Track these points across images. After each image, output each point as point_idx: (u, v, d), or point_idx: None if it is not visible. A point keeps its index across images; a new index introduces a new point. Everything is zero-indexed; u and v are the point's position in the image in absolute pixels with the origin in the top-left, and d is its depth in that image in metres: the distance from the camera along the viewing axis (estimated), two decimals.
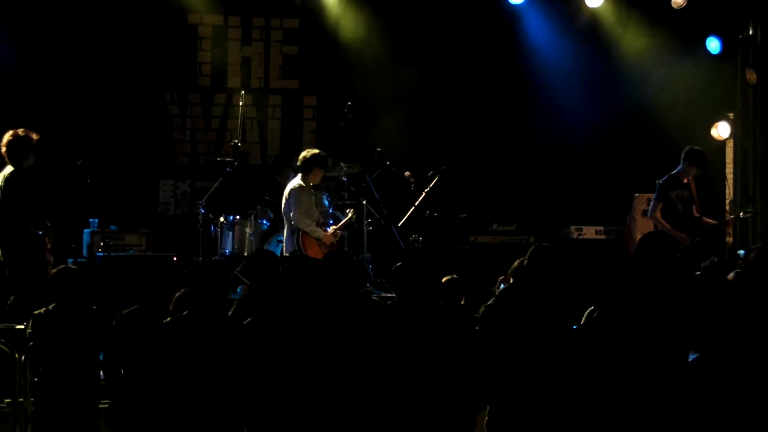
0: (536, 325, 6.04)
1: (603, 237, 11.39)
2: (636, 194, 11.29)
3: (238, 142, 11.32)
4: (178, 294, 6.46)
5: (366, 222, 11.10)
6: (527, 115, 12.72)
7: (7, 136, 8.89)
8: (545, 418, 5.95)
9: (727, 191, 12.18)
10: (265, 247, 10.44)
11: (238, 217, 10.91)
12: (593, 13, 12.35)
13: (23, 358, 7.06)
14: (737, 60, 12.00)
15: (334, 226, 10.32)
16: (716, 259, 7.05)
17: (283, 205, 10.17)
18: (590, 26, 12.43)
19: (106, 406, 6.46)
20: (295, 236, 9.96)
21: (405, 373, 6.00)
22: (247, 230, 10.91)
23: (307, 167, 10.09)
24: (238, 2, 12.78)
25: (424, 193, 10.95)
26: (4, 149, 8.89)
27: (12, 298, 8.72)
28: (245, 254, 10.58)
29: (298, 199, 9.95)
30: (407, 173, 11.07)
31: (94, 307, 6.55)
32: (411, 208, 10.97)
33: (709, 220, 10.12)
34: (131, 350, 6.24)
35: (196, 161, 12.69)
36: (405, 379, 5.99)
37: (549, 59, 12.59)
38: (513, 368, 6.01)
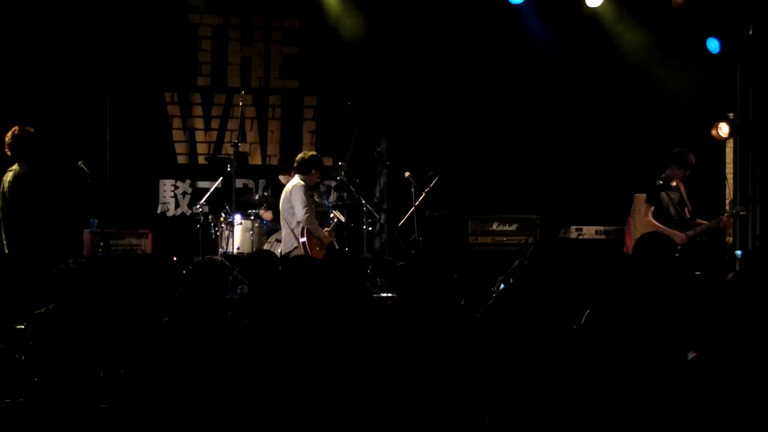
0: (536, 325, 6.05)
1: (603, 237, 11.38)
2: (636, 194, 11.29)
3: (238, 142, 11.33)
4: (177, 294, 6.47)
5: (366, 222, 11.11)
6: (527, 114, 12.72)
7: (9, 135, 8.88)
8: (545, 418, 5.95)
9: (727, 191, 12.17)
10: (265, 247, 10.45)
11: (238, 217, 10.93)
12: (593, 13, 12.35)
13: (23, 358, 7.06)
14: (737, 60, 12.00)
15: (327, 228, 10.33)
16: (716, 260, 7.05)
17: (282, 204, 10.17)
18: (590, 26, 12.43)
19: (106, 406, 6.47)
20: (299, 235, 9.94)
21: (405, 373, 6.00)
22: (247, 230, 10.92)
23: (304, 168, 10.12)
24: (238, 2, 12.77)
25: (424, 193, 10.96)
26: (8, 149, 8.88)
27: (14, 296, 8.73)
28: (245, 254, 10.59)
29: (302, 197, 9.97)
30: (407, 173, 11.09)
31: (94, 307, 6.56)
32: (411, 208, 10.98)
33: (702, 221, 10.14)
34: (131, 350, 6.24)
35: (196, 161, 12.69)
36: (405, 379, 5.99)
37: (549, 59, 12.60)
38: (513, 368, 6.01)
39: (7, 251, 8.86)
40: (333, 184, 12.33)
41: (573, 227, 11.37)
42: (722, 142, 12.14)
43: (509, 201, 12.17)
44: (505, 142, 12.75)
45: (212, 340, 5.91)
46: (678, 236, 9.68)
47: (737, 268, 7.00)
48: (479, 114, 12.76)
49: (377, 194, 11.30)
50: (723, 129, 11.94)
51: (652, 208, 9.95)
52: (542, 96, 12.68)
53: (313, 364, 5.92)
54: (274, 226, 11.02)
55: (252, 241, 10.83)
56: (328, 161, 11.91)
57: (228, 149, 11.97)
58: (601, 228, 11.40)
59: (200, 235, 10.94)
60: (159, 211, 12.60)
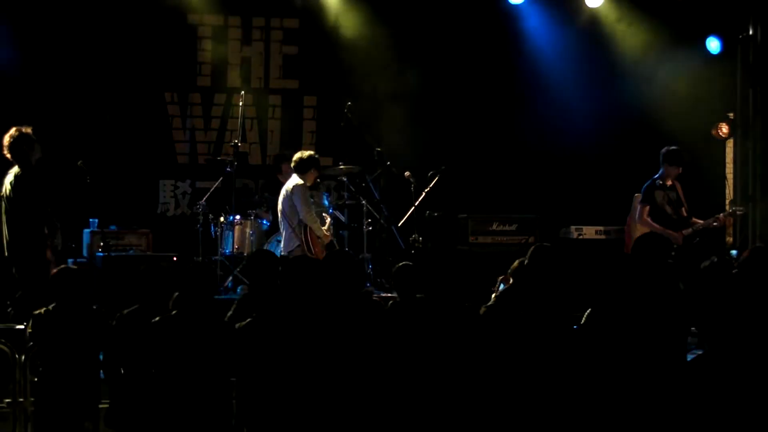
0: (536, 325, 6.05)
1: (603, 237, 11.38)
2: (636, 194, 11.28)
3: (238, 142, 11.32)
4: (176, 294, 6.46)
5: (366, 222, 11.10)
6: (527, 115, 12.72)
7: (7, 138, 8.87)
8: (545, 417, 5.95)
9: (727, 191, 12.17)
10: (265, 247, 10.44)
11: (238, 217, 10.92)
12: (593, 13, 12.35)
13: (23, 358, 7.06)
14: (737, 60, 12.00)
15: (324, 228, 10.32)
16: (716, 259, 7.05)
17: (281, 203, 10.14)
18: (590, 26, 12.43)
19: (106, 406, 6.46)
20: (301, 233, 9.93)
21: (406, 373, 6.00)
22: (247, 230, 10.92)
23: (302, 167, 10.10)
24: (238, 2, 12.76)
25: (424, 193, 10.96)
26: (7, 151, 8.87)
27: (18, 294, 8.73)
28: (245, 254, 10.58)
29: (303, 196, 9.95)
30: (407, 173, 11.08)
31: (94, 307, 6.56)
32: (411, 208, 10.98)
33: (699, 221, 10.14)
34: (131, 350, 6.24)
35: (196, 161, 12.69)
36: (406, 379, 5.99)
37: (549, 59, 12.60)
38: (514, 368, 6.01)
39: (9, 252, 8.86)
40: (333, 184, 12.33)
41: (573, 227, 11.37)
42: (722, 142, 12.14)
43: (509, 201, 12.17)
44: (504, 142, 12.74)
45: (205, 340, 5.91)
46: (673, 236, 9.72)
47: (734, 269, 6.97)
48: (479, 114, 12.76)
49: (377, 194, 11.28)
50: (723, 129, 11.95)
51: (647, 208, 10.00)
52: (542, 96, 12.67)
53: (313, 364, 5.92)
54: (274, 227, 11.01)
55: (252, 241, 10.83)
56: (328, 161, 11.91)
57: (228, 149, 11.97)
58: (601, 228, 11.40)
59: (200, 235, 10.94)
60: (159, 211, 12.60)
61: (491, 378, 6.07)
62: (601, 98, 12.55)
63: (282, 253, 10.01)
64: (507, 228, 11.44)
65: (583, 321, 6.18)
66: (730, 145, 12.22)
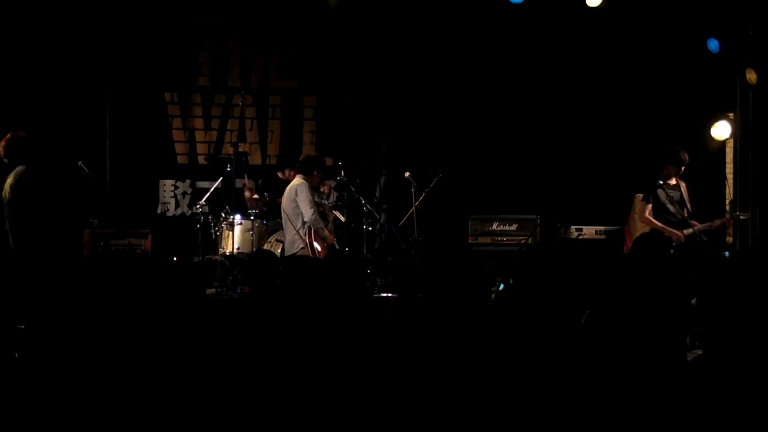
0: (536, 325, 6.05)
1: (603, 237, 11.39)
2: (636, 194, 11.29)
3: (238, 142, 11.33)
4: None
5: (366, 222, 11.11)
6: (527, 114, 12.72)
7: (2, 143, 8.87)
8: (545, 417, 5.95)
9: (727, 191, 12.18)
10: (264, 248, 10.44)
11: (238, 217, 10.93)
12: (593, 13, 12.34)
13: (23, 358, 7.05)
14: (737, 60, 12.00)
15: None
16: (716, 258, 7.06)
17: (285, 204, 10.13)
18: (590, 26, 12.43)
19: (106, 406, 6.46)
20: (305, 236, 9.92)
21: (406, 373, 6.00)
22: (247, 230, 10.92)
23: (307, 168, 10.10)
24: (238, 2, 12.77)
25: (424, 193, 10.96)
26: (4, 156, 8.87)
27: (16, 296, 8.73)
28: (245, 254, 10.59)
29: (308, 196, 9.92)
30: (407, 173, 11.09)
31: (94, 307, 6.55)
32: (411, 208, 10.98)
33: (696, 224, 10.14)
34: (128, 349, 6.24)
35: (196, 161, 12.69)
36: (406, 379, 5.99)
37: (548, 59, 12.60)
38: (513, 368, 6.01)
39: (12, 252, 8.87)
40: (333, 184, 12.34)
41: (573, 227, 11.37)
42: (722, 142, 12.14)
43: (509, 201, 12.17)
44: (505, 142, 12.74)
45: (195, 339, 5.92)
46: (675, 234, 9.72)
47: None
48: (479, 114, 12.76)
49: (377, 194, 11.29)
50: (723, 129, 11.95)
51: (649, 205, 9.97)
52: (542, 96, 12.67)
53: (314, 364, 5.92)
54: (274, 227, 11.02)
55: (252, 241, 10.83)
56: (328, 161, 11.91)
57: (228, 149, 11.97)
58: (601, 228, 11.40)
59: (200, 235, 10.95)
60: (159, 211, 12.61)
61: (491, 378, 6.07)
62: (601, 98, 12.55)
63: (286, 254, 10.00)
64: (507, 228, 11.45)
65: (582, 321, 6.18)
66: (730, 145, 12.22)
